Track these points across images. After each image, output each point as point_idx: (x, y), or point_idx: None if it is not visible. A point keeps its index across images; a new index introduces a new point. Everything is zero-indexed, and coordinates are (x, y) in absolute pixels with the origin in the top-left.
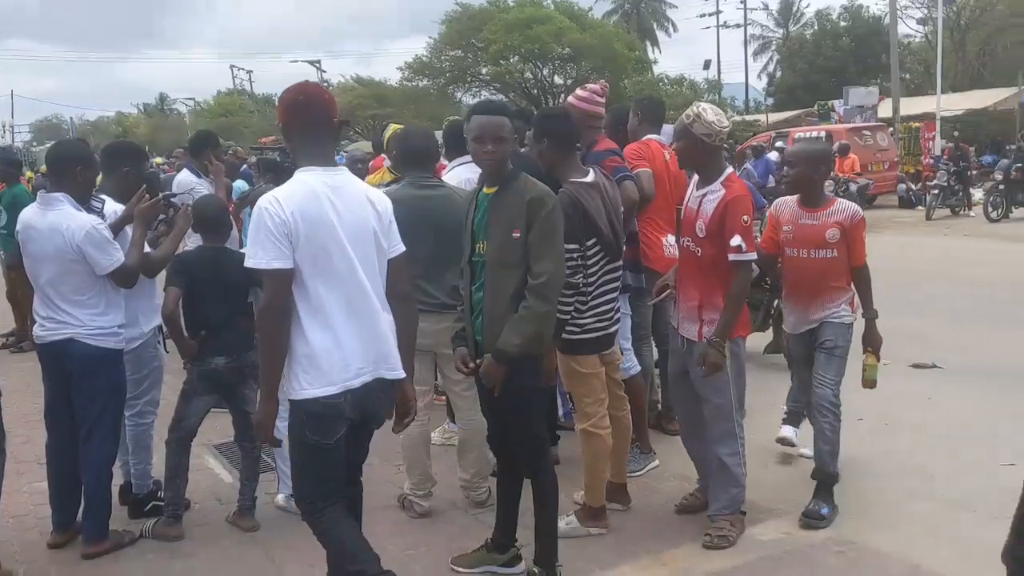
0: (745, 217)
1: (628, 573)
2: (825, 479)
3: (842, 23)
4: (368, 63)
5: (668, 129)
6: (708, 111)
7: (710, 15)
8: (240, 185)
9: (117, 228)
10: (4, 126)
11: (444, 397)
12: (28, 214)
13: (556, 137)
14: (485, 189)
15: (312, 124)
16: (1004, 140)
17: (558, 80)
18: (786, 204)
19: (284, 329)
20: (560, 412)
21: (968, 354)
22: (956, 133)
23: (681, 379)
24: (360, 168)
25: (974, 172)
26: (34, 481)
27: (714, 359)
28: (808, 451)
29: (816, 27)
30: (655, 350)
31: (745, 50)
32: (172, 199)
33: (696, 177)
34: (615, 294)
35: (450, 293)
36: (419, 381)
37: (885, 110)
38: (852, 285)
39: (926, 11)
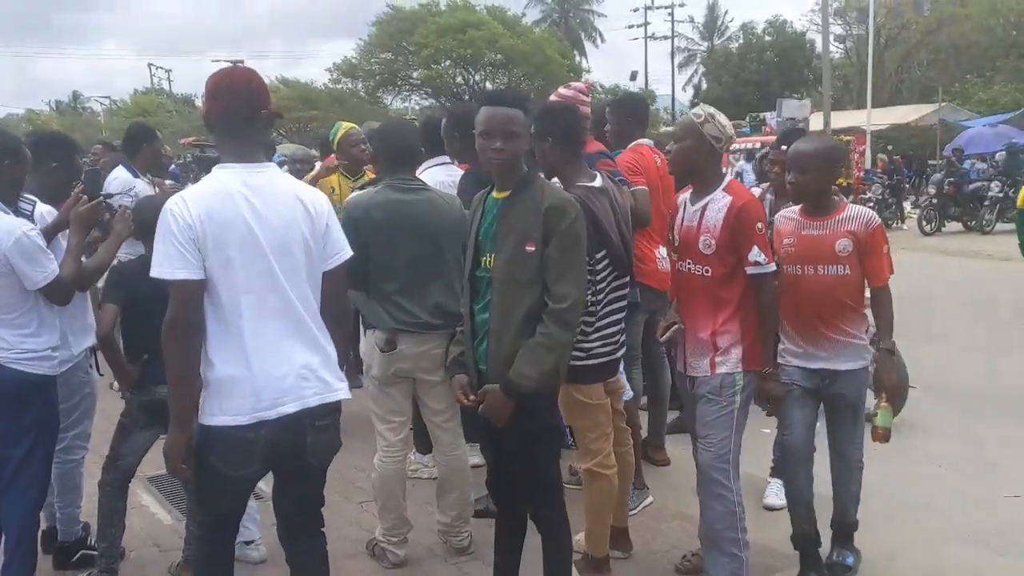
0: (759, 224)
1: None
2: (847, 528)
3: (767, 37)
4: (291, 65)
5: None
6: (719, 113)
7: (638, 26)
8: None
9: (50, 234)
10: None
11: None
12: None
13: (562, 135)
14: (494, 194)
15: (235, 115)
16: (921, 155)
17: (489, 86)
18: (786, 215)
19: (193, 347)
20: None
21: (937, 373)
22: (890, 147)
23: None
24: (299, 168)
25: (906, 186)
26: None
27: (776, 390)
28: (780, 501)
29: (741, 41)
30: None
31: (672, 62)
32: (109, 200)
33: (687, 192)
34: (623, 314)
35: (432, 311)
36: (396, 411)
37: (815, 123)
38: (868, 310)
39: (847, 28)
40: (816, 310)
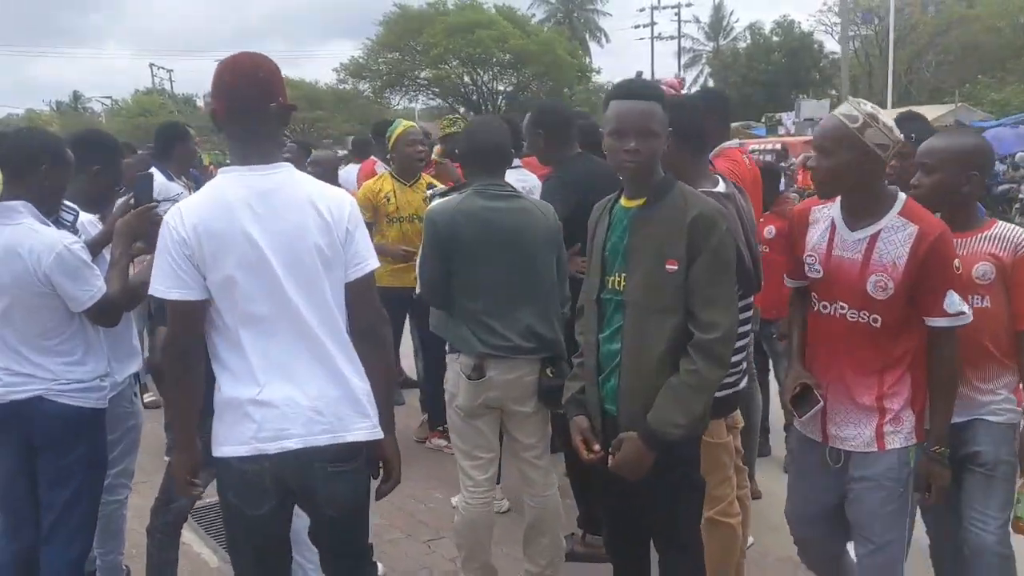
0: (957, 262)
1: None
2: None
3: (774, 38)
4: (292, 65)
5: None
6: (881, 111)
7: (644, 26)
8: None
9: (96, 248)
10: None
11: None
12: None
13: (684, 131)
14: (624, 201)
15: (241, 108)
16: None
17: (499, 87)
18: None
19: (190, 371)
20: None
21: None
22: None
23: (821, 517)
24: (322, 172)
25: None
26: None
27: (943, 478)
28: None
29: (749, 41)
30: None
31: (679, 62)
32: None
33: (825, 207)
34: (747, 339)
35: (523, 333)
36: (483, 446)
37: None
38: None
39: (855, 29)
40: None
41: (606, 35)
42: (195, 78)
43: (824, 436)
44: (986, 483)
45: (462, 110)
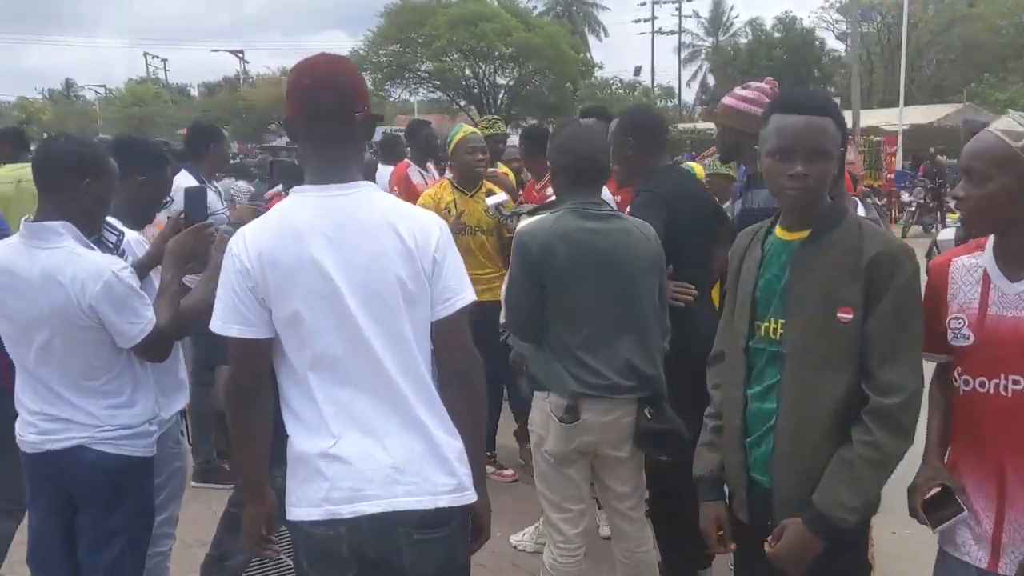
0: None
1: None
2: None
3: (776, 34)
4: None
5: None
6: None
7: (645, 21)
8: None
9: (143, 271)
10: None
11: (510, 472)
12: (3, 252)
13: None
14: (782, 233)
15: (321, 118)
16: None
17: (500, 80)
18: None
19: (254, 413)
20: None
21: None
22: (932, 149)
23: None
24: None
25: (949, 188)
26: None
27: None
28: None
29: (750, 37)
30: None
31: (679, 56)
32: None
33: (985, 257)
34: None
35: (622, 370)
36: (575, 497)
37: None
38: None
39: (856, 26)
40: None
41: (604, 29)
42: (189, 68)
43: (995, 562)
44: None
45: (463, 103)
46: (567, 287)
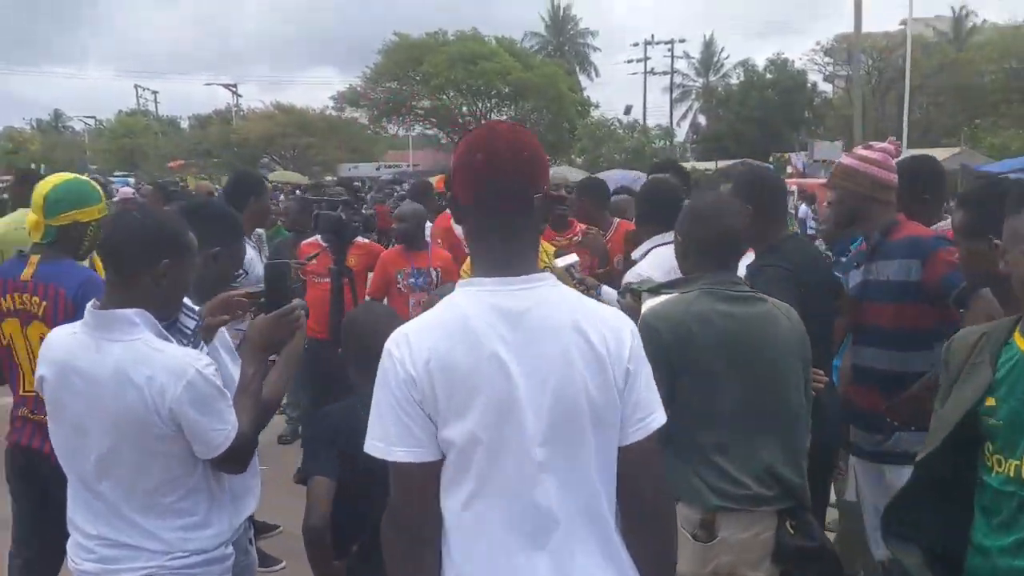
0: None
1: None
2: None
3: (768, 75)
4: (275, 90)
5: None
6: None
7: (637, 61)
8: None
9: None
10: None
11: None
12: (65, 343)
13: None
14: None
15: (497, 200)
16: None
17: (496, 117)
18: None
19: (420, 554)
20: None
21: None
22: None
23: None
24: (407, 229)
25: None
26: None
27: None
28: None
29: (742, 78)
30: None
31: (670, 97)
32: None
33: None
34: None
35: (761, 477)
36: None
37: None
38: None
39: (842, 68)
40: None
41: (596, 69)
42: (183, 101)
43: None
44: None
45: (457, 140)
46: (704, 379)
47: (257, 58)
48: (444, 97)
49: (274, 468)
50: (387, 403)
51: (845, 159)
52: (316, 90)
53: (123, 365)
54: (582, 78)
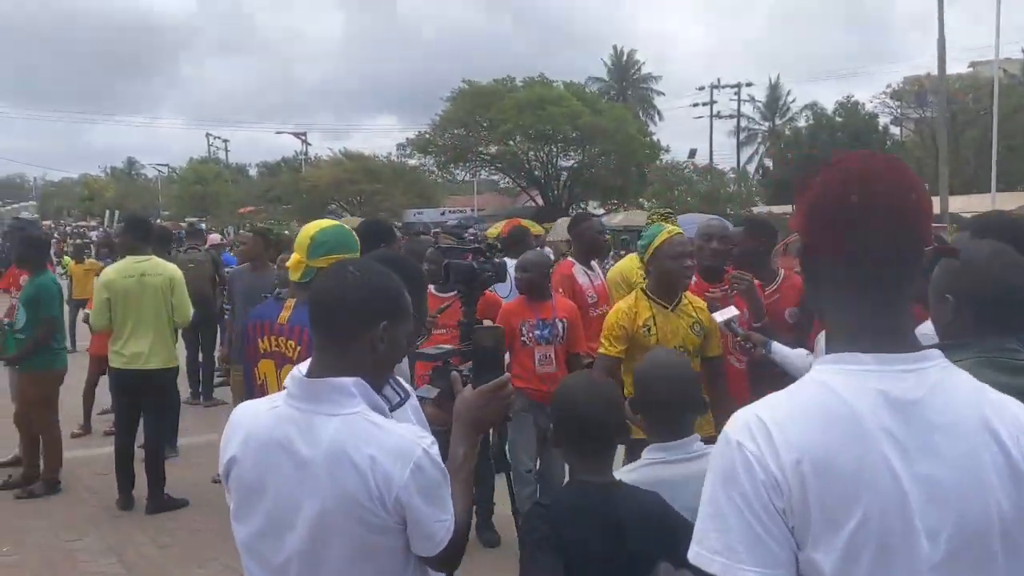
0: None
1: None
2: None
3: (837, 118)
4: (341, 137)
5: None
6: None
7: (704, 104)
8: None
9: None
10: None
11: None
12: (264, 418)
13: None
14: None
15: (871, 256)
16: None
17: (562, 162)
18: None
19: None
20: None
21: None
22: None
23: None
24: (530, 279)
25: None
26: None
27: None
28: None
29: (810, 120)
30: None
31: (737, 140)
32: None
33: None
34: None
35: None
36: None
37: None
38: None
39: (915, 111)
40: None
41: (659, 113)
42: (247, 148)
43: None
44: None
45: (524, 184)
46: None
47: (322, 107)
48: (511, 142)
49: None
50: (734, 509)
51: None
52: (377, 137)
53: (338, 442)
54: (647, 122)
